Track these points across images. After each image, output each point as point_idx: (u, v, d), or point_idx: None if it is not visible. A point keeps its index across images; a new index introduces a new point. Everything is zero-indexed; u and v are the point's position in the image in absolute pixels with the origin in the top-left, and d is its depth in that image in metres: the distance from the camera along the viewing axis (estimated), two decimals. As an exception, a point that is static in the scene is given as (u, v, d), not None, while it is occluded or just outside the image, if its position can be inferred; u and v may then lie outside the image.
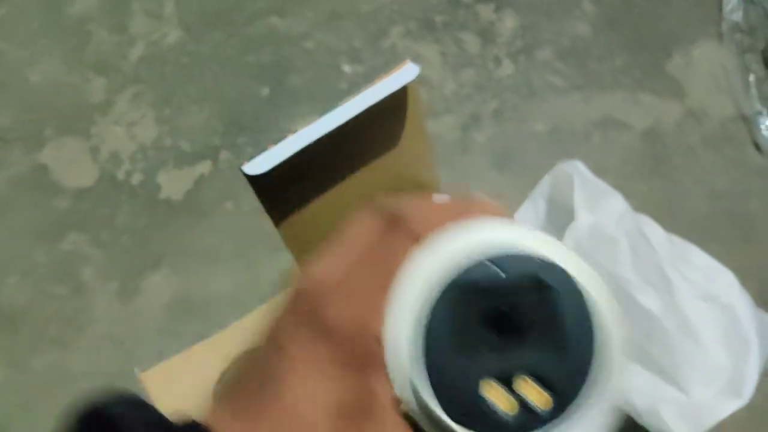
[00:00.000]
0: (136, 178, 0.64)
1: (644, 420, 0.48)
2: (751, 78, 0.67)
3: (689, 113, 0.66)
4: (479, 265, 0.21)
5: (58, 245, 0.61)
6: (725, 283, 0.53)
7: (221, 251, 0.60)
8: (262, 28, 0.71)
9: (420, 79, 0.73)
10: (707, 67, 0.68)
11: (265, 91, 0.67)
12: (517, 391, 0.20)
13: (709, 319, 0.51)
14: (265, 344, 0.24)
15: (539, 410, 0.20)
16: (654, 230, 0.55)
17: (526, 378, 0.20)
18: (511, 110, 0.66)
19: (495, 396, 0.20)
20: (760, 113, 0.65)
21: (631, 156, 0.64)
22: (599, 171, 0.56)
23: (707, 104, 0.67)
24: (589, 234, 0.53)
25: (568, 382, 0.20)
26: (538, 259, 0.21)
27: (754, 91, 0.66)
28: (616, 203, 0.54)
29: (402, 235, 0.22)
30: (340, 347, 0.22)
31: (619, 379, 0.21)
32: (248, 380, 0.23)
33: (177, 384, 0.42)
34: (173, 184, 0.63)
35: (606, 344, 0.20)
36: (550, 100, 0.67)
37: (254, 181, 0.37)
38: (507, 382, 0.20)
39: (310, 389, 0.21)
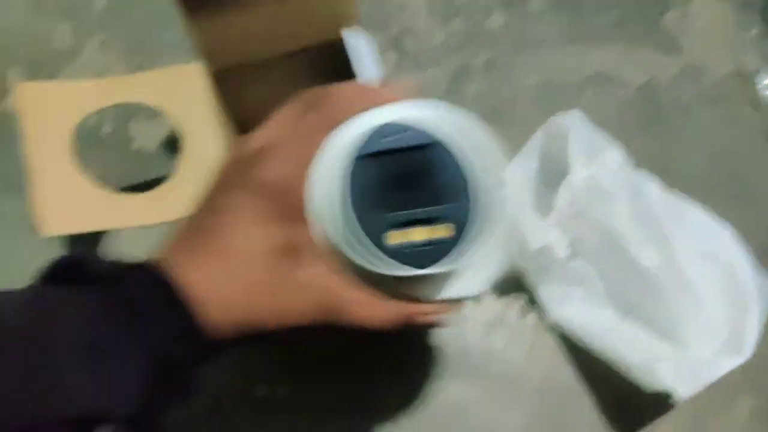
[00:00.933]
0: (107, 129, 0.60)
1: (640, 378, 0.46)
2: (750, 34, 0.64)
3: (686, 69, 0.64)
4: (384, 137, 0.27)
5: (27, 196, 0.57)
6: (724, 241, 0.51)
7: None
8: (241, -25, 0.67)
9: (407, 29, 0.70)
10: (705, 22, 0.66)
11: (243, 39, 0.63)
12: (413, 237, 0.27)
13: (708, 276, 0.49)
14: (205, 206, 0.28)
15: (443, 238, 0.26)
16: (653, 186, 0.52)
17: (421, 227, 0.27)
18: (501, 63, 0.63)
19: (395, 238, 0.26)
20: (758, 71, 0.63)
21: (625, 112, 0.62)
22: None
23: (704, 60, 0.64)
24: (584, 188, 0.51)
25: (462, 220, 0.27)
26: (432, 130, 0.27)
27: (752, 47, 0.64)
28: (614, 156, 0.51)
29: (320, 116, 0.27)
30: (271, 202, 0.26)
31: (501, 215, 0.27)
32: (193, 233, 0.27)
33: (50, 108, 0.42)
34: (145, 134, 0.59)
35: (485, 191, 0.27)
36: (543, 53, 0.64)
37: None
38: (406, 227, 0.27)
39: (250, 235, 0.26)
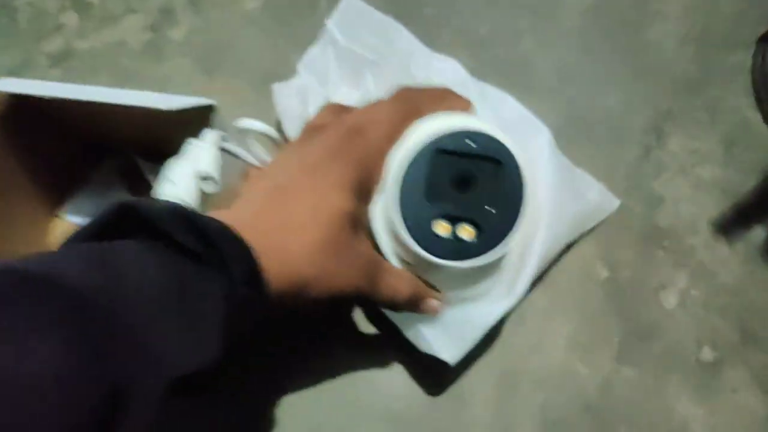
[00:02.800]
0: None
1: (420, 346, 0.36)
2: None
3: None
4: (452, 137, 0.30)
5: None
6: (542, 141, 0.40)
7: None
8: None
9: None
10: None
11: None
12: (458, 233, 0.31)
13: None
14: (294, 158, 0.30)
15: (469, 241, 0.31)
16: (457, 69, 0.43)
17: (466, 225, 0.31)
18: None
19: (442, 229, 0.31)
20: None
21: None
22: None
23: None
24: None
25: (496, 231, 0.31)
26: (495, 140, 0.31)
27: None
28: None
29: (410, 108, 0.32)
30: (356, 173, 0.29)
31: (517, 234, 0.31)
32: (264, 189, 0.29)
33: None
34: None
35: (523, 210, 0.31)
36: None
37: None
38: (453, 224, 0.31)
39: (330, 196, 0.28)
